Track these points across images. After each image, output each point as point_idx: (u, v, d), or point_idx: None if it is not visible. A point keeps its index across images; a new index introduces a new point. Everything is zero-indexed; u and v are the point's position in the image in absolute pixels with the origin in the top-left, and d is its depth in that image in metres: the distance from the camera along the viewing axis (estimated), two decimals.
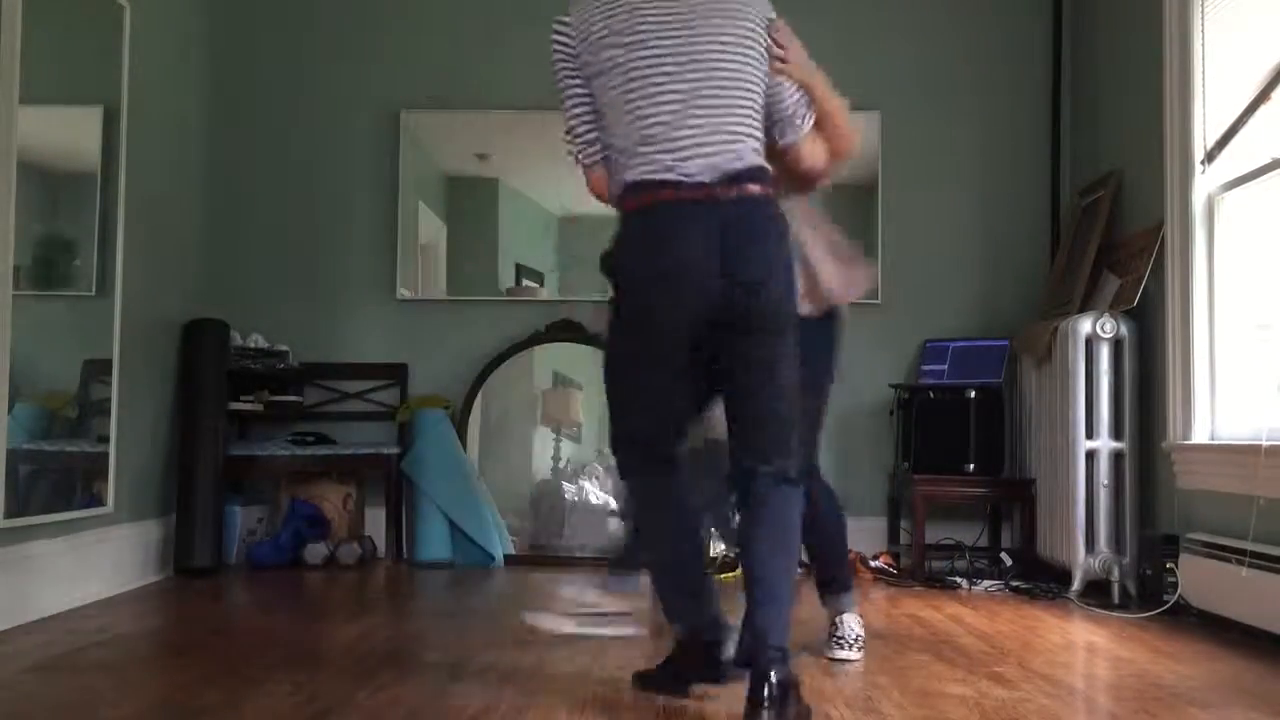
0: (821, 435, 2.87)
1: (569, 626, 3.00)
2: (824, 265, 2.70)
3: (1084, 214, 4.52)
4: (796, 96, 2.30)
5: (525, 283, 4.95)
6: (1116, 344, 3.98)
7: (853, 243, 2.84)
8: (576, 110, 2.30)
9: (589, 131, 2.30)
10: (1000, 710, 2.36)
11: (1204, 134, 3.70)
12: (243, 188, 4.91)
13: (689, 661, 2.40)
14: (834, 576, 2.91)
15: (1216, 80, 3.66)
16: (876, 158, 4.85)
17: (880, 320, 4.85)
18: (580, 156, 2.32)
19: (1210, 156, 3.67)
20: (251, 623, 3.32)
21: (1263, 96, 3.42)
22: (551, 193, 4.91)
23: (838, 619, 2.89)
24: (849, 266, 2.76)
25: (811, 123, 2.34)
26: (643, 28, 2.20)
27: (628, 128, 2.21)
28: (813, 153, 2.38)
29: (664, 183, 2.17)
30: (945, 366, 4.66)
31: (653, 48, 2.19)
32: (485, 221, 4.96)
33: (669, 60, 2.19)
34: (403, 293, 4.89)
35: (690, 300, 2.16)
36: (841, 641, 2.84)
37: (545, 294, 4.93)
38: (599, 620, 3.02)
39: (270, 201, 4.92)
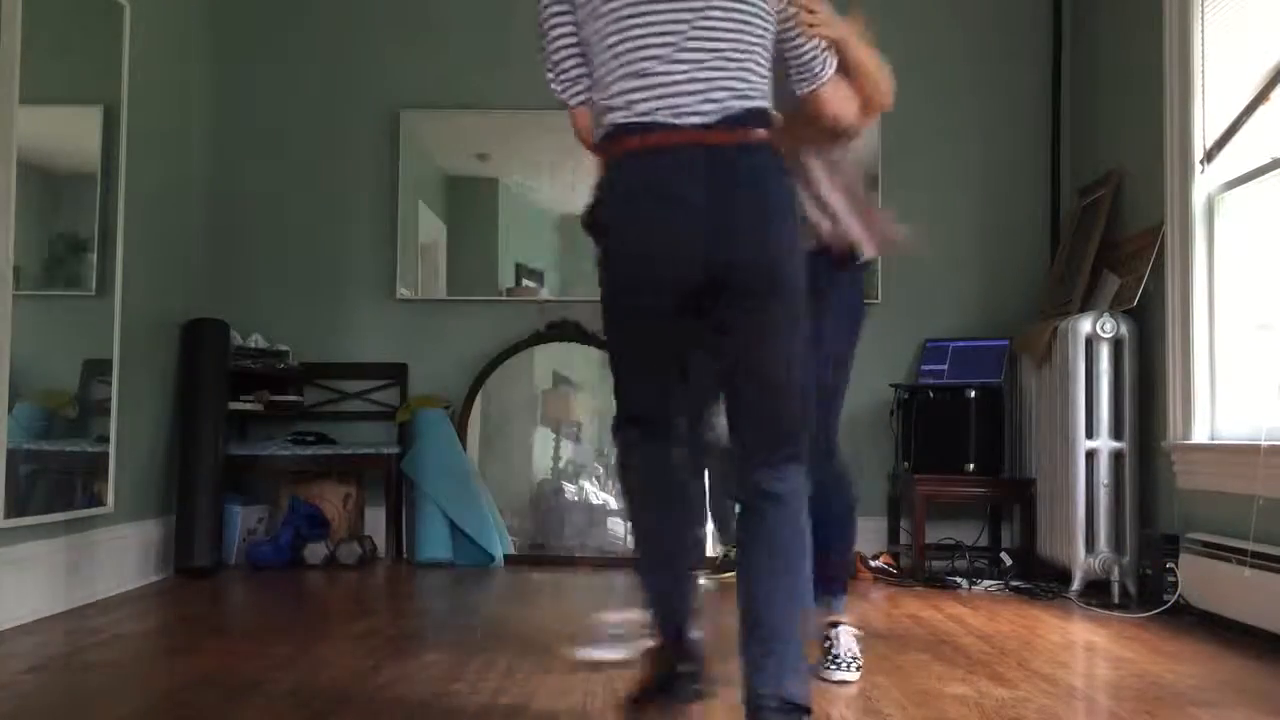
0: (838, 414, 2.67)
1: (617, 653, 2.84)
2: (846, 216, 2.50)
3: (1084, 214, 4.52)
4: (815, 42, 2.08)
5: (525, 283, 4.95)
6: (1116, 344, 3.98)
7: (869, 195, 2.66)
8: (561, 42, 2.03)
9: (575, 66, 2.03)
10: (1000, 710, 2.36)
11: (1204, 134, 3.70)
12: (243, 188, 4.91)
13: (674, 668, 2.16)
14: (832, 575, 2.58)
15: (1216, 80, 3.66)
16: (877, 158, 4.85)
17: (880, 320, 4.84)
18: (564, 92, 2.06)
19: (1210, 156, 3.67)
20: (251, 623, 3.32)
21: (1262, 96, 3.43)
22: (551, 193, 4.91)
23: (832, 633, 2.64)
24: (873, 218, 2.56)
25: (832, 70, 2.15)
26: None
27: (613, 62, 1.94)
28: (836, 101, 2.17)
29: (652, 125, 1.91)
30: (945, 366, 4.66)
31: None
32: (485, 221, 4.96)
33: None
34: (403, 292, 4.89)
35: (683, 258, 1.90)
36: (838, 661, 2.61)
37: (545, 294, 4.93)
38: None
39: (270, 201, 4.92)
